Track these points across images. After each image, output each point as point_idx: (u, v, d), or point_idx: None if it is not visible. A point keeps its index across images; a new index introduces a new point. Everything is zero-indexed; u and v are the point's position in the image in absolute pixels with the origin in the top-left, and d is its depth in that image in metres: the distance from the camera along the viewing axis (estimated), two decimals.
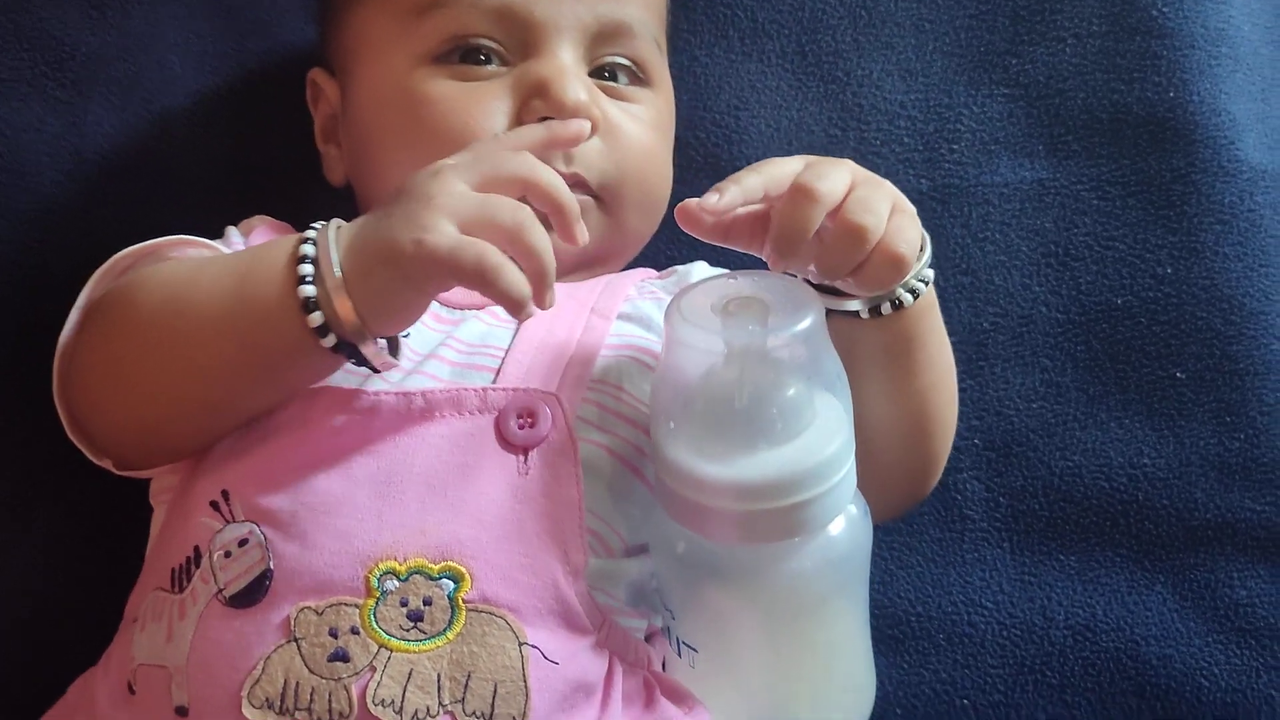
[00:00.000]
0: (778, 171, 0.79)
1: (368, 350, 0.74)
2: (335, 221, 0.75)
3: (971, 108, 1.09)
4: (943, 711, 0.98)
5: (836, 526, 0.77)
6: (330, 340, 0.73)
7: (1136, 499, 1.02)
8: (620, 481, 0.82)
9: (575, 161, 0.89)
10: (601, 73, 0.92)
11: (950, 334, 1.03)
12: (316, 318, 0.72)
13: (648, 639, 0.85)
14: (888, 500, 0.93)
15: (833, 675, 0.84)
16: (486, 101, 0.88)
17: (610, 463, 0.82)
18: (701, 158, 1.07)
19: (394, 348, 0.78)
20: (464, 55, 0.89)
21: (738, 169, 1.01)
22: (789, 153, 1.06)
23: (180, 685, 0.74)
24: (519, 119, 0.87)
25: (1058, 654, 0.99)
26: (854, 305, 0.83)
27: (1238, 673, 0.98)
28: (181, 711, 0.73)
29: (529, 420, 0.79)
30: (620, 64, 0.93)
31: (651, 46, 0.96)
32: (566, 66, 0.88)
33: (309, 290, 0.72)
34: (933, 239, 1.06)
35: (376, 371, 0.78)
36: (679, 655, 0.82)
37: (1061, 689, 0.98)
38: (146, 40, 1.02)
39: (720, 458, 0.73)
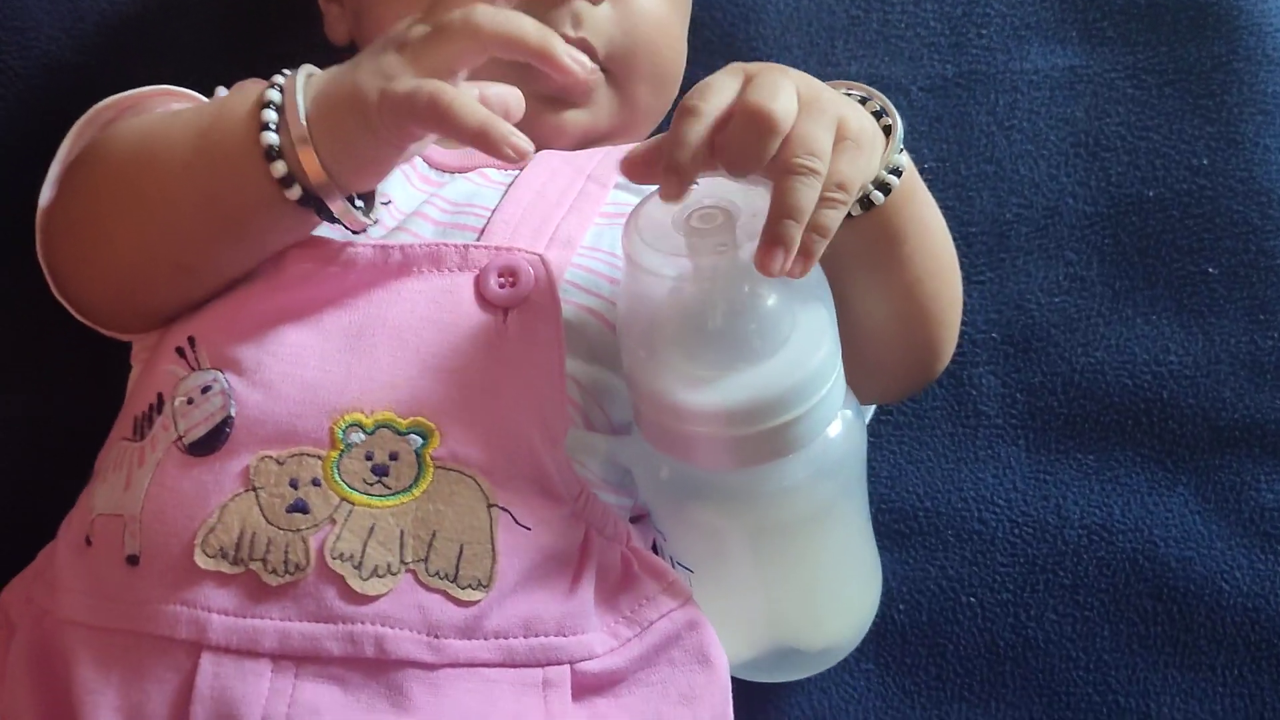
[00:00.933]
0: (721, 103, 0.68)
1: (336, 206, 0.70)
2: (306, 68, 0.71)
3: None
4: (948, 608, 0.93)
5: (830, 432, 0.72)
6: (295, 192, 0.69)
7: (1161, 397, 0.97)
8: (606, 348, 0.77)
9: (584, 26, 0.84)
10: None
11: (970, 224, 1.00)
12: (279, 167, 0.68)
13: (634, 521, 0.81)
14: (892, 388, 0.89)
15: (835, 586, 0.80)
16: None
17: (597, 328, 0.77)
18: (717, 38, 1.02)
19: (370, 205, 0.74)
20: None
21: (754, 49, 0.97)
22: (808, 34, 1.03)
23: (134, 534, 0.70)
24: None
25: (1071, 553, 0.94)
26: None
27: (1261, 578, 0.93)
28: (132, 560, 0.70)
29: (510, 279, 0.74)
30: None
31: None
32: None
33: (272, 138, 0.68)
34: (957, 127, 1.03)
35: (353, 232, 0.73)
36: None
37: (1074, 589, 0.93)
38: None
39: (699, 383, 0.68)
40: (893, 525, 0.95)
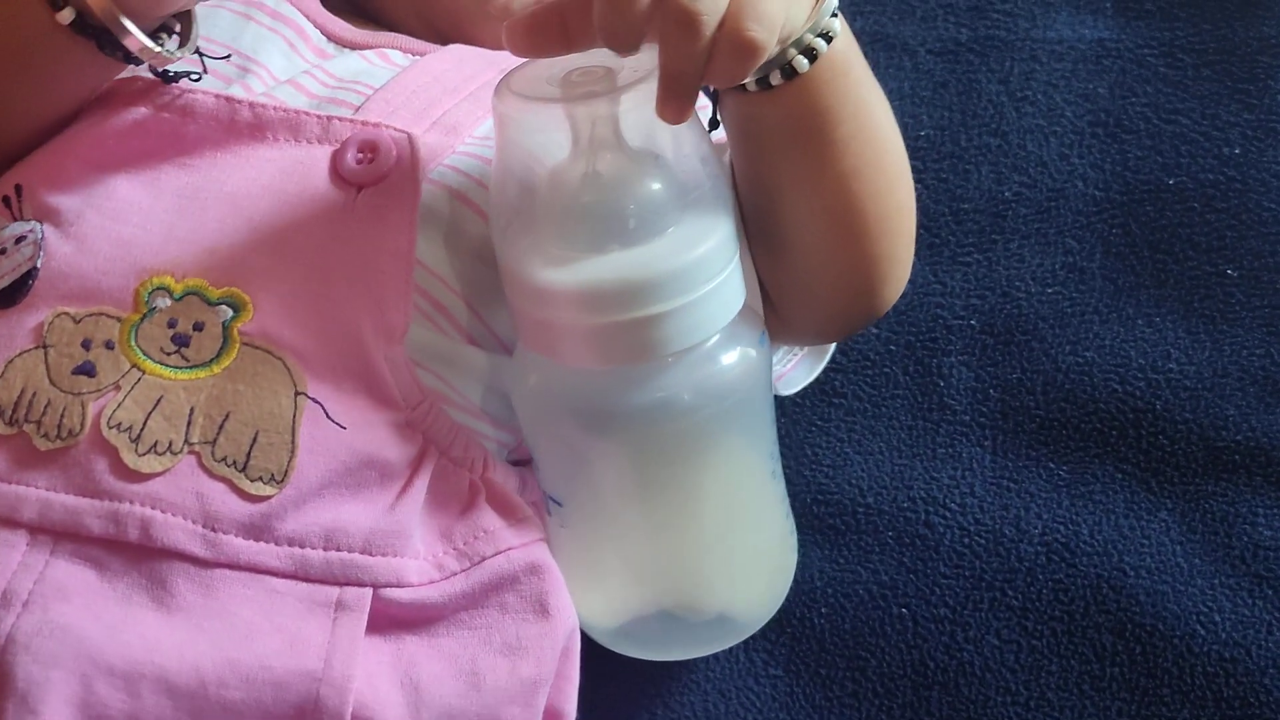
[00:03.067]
0: None
1: (124, 35, 0.61)
2: None
3: None
4: (876, 618, 0.79)
5: (723, 356, 0.62)
6: (67, 15, 0.60)
7: (1153, 408, 0.82)
8: (490, 247, 0.65)
9: None
10: None
11: (964, 200, 0.88)
12: None
13: (516, 464, 0.70)
14: (826, 314, 0.75)
15: (725, 539, 0.68)
16: None
17: (479, 223, 0.67)
18: None
19: (185, 40, 0.65)
20: None
21: None
22: None
23: None
24: None
25: (1025, 572, 0.79)
26: None
27: (1244, 625, 0.76)
28: None
29: (370, 155, 0.65)
30: None
31: None
32: None
33: None
34: (964, 95, 0.91)
35: (165, 77, 0.65)
36: (548, 513, 0.68)
37: (1023, 613, 0.78)
38: None
39: (564, 262, 0.59)
40: (827, 518, 0.82)
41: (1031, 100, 0.90)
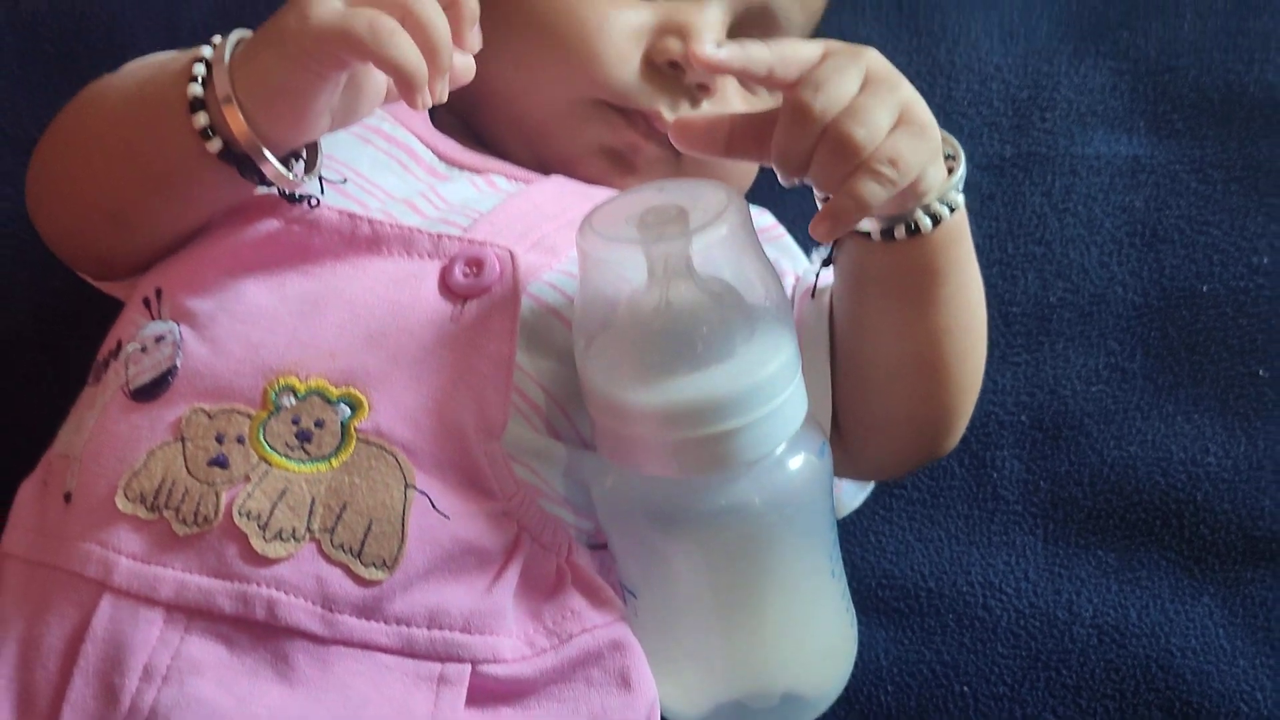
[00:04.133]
0: (791, 55, 0.66)
1: (266, 166, 0.66)
2: (239, 31, 0.68)
3: (1072, 77, 0.96)
4: (939, 695, 0.83)
5: (789, 463, 0.66)
6: (216, 145, 0.66)
7: (1194, 499, 0.86)
8: (575, 357, 0.71)
9: (679, 114, 0.77)
10: None
11: (1012, 304, 0.92)
12: (201, 119, 0.65)
13: (595, 548, 0.74)
14: (894, 453, 0.80)
15: (789, 632, 0.71)
16: (630, 15, 0.78)
17: (568, 335, 0.72)
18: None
19: (311, 167, 0.70)
20: None
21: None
22: None
23: (73, 473, 0.67)
24: (649, 49, 0.78)
25: (1078, 652, 0.83)
26: (865, 225, 0.70)
27: None
28: (68, 498, 0.67)
29: (475, 269, 0.70)
30: None
31: None
32: (716, 23, 0.78)
33: (196, 89, 0.65)
34: (1010, 207, 0.95)
35: (290, 198, 0.70)
36: (624, 602, 0.71)
37: (1077, 690, 0.82)
38: None
39: (641, 381, 0.63)
40: (891, 602, 0.86)
41: (1073, 211, 0.94)
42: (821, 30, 0.98)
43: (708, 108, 0.80)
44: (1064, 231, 0.94)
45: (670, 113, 0.78)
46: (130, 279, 0.76)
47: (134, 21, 0.97)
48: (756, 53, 0.66)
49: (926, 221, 0.69)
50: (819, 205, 0.69)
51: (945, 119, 0.96)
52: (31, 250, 0.83)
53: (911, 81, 0.95)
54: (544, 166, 0.81)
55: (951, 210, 0.70)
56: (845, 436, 0.78)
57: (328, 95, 0.65)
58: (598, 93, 0.78)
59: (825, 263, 0.75)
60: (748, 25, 0.81)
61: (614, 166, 0.81)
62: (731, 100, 0.81)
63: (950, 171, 0.70)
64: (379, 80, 0.68)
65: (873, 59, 0.67)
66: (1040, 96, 0.96)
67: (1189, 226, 0.93)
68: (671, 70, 0.78)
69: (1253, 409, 0.88)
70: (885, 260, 0.71)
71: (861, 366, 0.75)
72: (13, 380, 0.91)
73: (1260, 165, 0.93)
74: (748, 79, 0.68)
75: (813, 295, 0.78)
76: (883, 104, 0.65)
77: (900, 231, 0.69)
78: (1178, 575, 0.84)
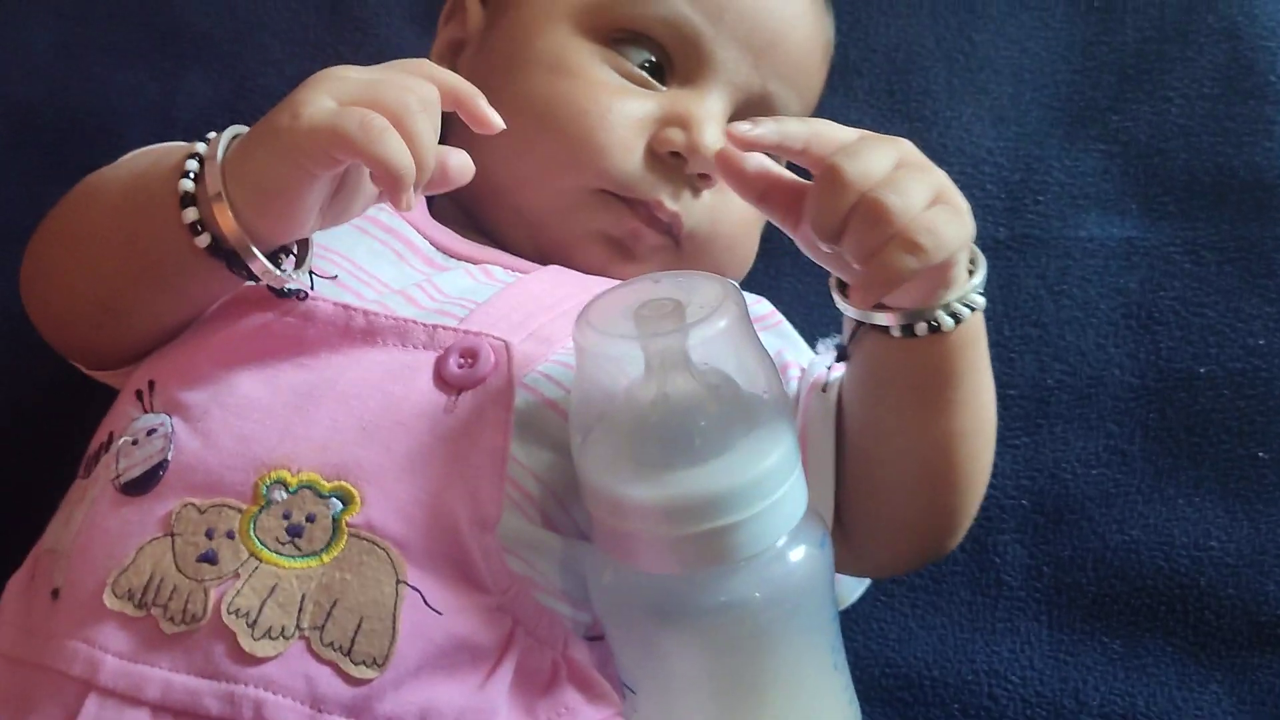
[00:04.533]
0: (826, 133, 0.66)
1: (254, 263, 0.65)
2: (235, 128, 0.68)
3: (1064, 160, 0.96)
4: None
5: (790, 555, 0.64)
6: (204, 240, 0.65)
7: (1198, 584, 0.84)
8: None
9: (680, 203, 0.79)
10: None
11: (1010, 387, 0.91)
12: (190, 214, 0.65)
13: (593, 640, 0.73)
14: (898, 552, 0.78)
15: None
16: (633, 105, 0.78)
17: (563, 427, 0.71)
18: None
19: (301, 262, 0.70)
20: (627, 54, 0.79)
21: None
22: None
23: (62, 568, 0.66)
24: (652, 140, 0.78)
25: None
26: (884, 320, 0.69)
27: None
28: (55, 594, 0.65)
29: (470, 360, 0.69)
30: None
31: None
32: (717, 113, 0.79)
33: (187, 185, 0.65)
34: (1005, 289, 0.95)
35: (279, 293, 0.69)
36: (622, 697, 0.69)
37: None
38: (252, 25, 1.00)
39: (639, 477, 0.61)
40: (895, 691, 0.84)
41: (1068, 294, 0.93)
42: (816, 116, 0.98)
43: (708, 199, 0.80)
44: (1060, 314, 0.93)
45: (672, 202, 0.78)
46: (122, 369, 0.75)
47: (129, 112, 0.97)
48: (793, 128, 0.66)
49: (949, 320, 0.68)
50: (836, 288, 0.68)
51: None
52: (22, 337, 0.81)
53: None
54: (544, 255, 0.80)
55: (971, 310, 0.69)
56: (849, 535, 0.76)
57: (317, 194, 0.65)
58: (601, 182, 0.78)
59: (838, 358, 0.74)
60: (746, 114, 0.79)
61: (615, 254, 0.80)
62: (729, 197, 0.79)
63: (971, 274, 0.69)
64: (368, 181, 0.68)
65: (908, 146, 0.66)
66: (1033, 180, 0.96)
67: (1184, 308, 0.92)
68: (673, 160, 0.78)
69: (1254, 492, 0.87)
70: (903, 359, 0.70)
71: (870, 466, 0.73)
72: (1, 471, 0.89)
73: (1253, 246, 0.93)
74: (783, 154, 0.67)
75: (823, 389, 0.76)
76: (919, 181, 0.64)
77: (922, 328, 0.68)
78: (1184, 662, 0.83)
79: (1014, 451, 0.90)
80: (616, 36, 0.80)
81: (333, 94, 0.63)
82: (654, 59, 0.80)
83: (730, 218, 0.81)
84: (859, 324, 0.70)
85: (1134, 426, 0.90)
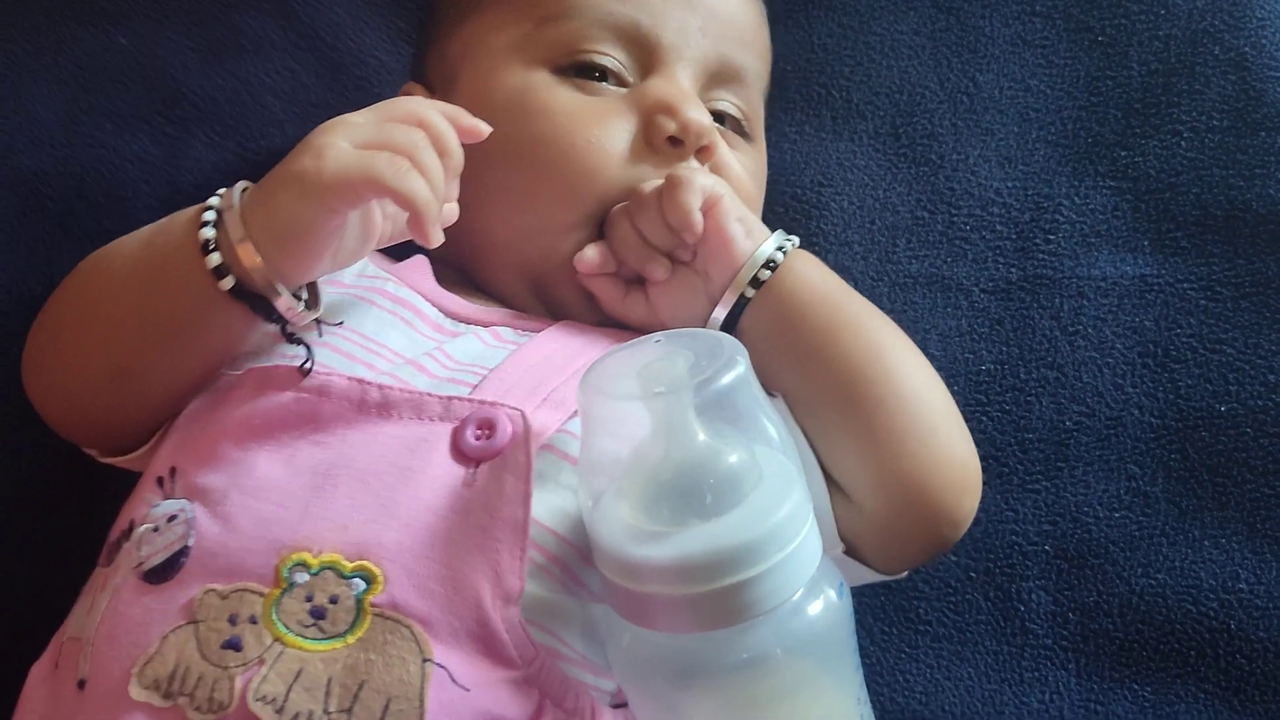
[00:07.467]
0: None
1: (279, 300, 0.67)
2: (243, 183, 0.69)
3: (1073, 198, 0.94)
4: None
5: (808, 607, 0.62)
6: (229, 282, 0.66)
7: (1228, 628, 0.82)
8: None
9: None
10: (712, 116, 0.82)
11: (1028, 430, 0.89)
12: (214, 258, 0.66)
13: (618, 707, 0.70)
14: (885, 530, 0.74)
15: None
16: (610, 117, 0.78)
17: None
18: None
19: (313, 303, 0.70)
20: (582, 70, 0.80)
21: (814, 244, 0.90)
22: (870, 231, 0.95)
23: (86, 657, 0.64)
24: (644, 135, 0.78)
25: None
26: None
27: None
28: (81, 684, 0.63)
29: (487, 432, 0.67)
30: (729, 111, 0.84)
31: (759, 100, 0.87)
32: (689, 89, 0.80)
33: (209, 233, 0.67)
34: (1019, 331, 0.92)
35: (293, 336, 0.69)
36: None
37: None
38: (254, 88, 0.98)
39: (651, 537, 0.60)
40: None
41: (1083, 334, 0.91)
42: (822, 163, 0.96)
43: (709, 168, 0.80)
44: (1075, 354, 0.91)
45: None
46: (135, 453, 0.73)
47: (135, 178, 0.95)
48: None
49: (765, 272, 0.74)
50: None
51: (949, 244, 0.94)
52: (30, 418, 0.79)
53: (911, 208, 0.95)
54: (551, 307, 0.80)
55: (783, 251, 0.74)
56: (842, 530, 0.74)
57: (340, 232, 0.67)
58: (608, 199, 0.77)
59: None
60: (718, 83, 0.83)
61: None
62: (727, 161, 0.81)
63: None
64: (376, 220, 0.70)
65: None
66: (1042, 219, 0.94)
67: (1201, 345, 0.90)
68: (671, 145, 0.78)
69: None
70: (759, 316, 0.74)
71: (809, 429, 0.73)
72: (14, 557, 0.86)
73: (1269, 281, 0.90)
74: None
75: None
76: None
77: (749, 291, 0.74)
78: (1217, 708, 0.80)
79: (1034, 496, 0.87)
80: (567, 64, 0.80)
81: (349, 139, 0.66)
82: (609, 69, 0.80)
83: (736, 190, 0.80)
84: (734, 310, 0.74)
85: (1155, 467, 0.87)
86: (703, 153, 0.79)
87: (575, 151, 0.77)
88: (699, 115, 0.78)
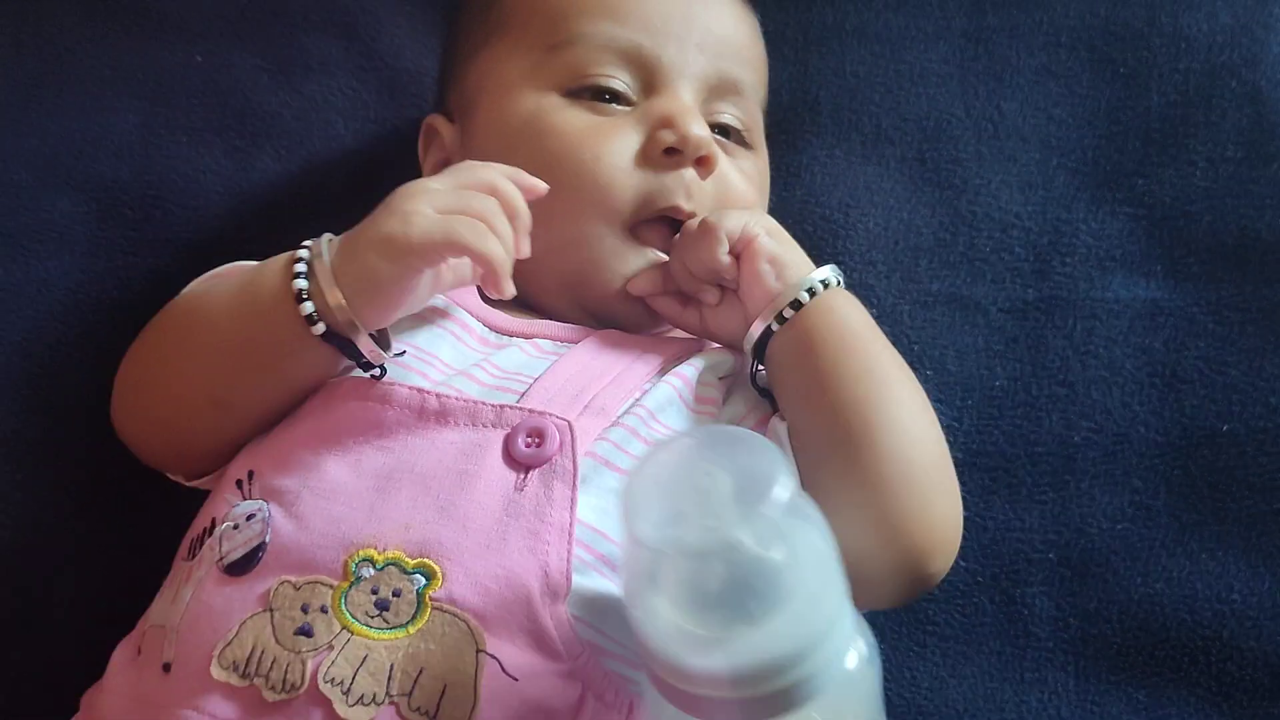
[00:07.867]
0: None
1: (361, 341, 0.73)
2: (327, 235, 0.76)
3: (1090, 224, 0.98)
4: None
5: (847, 663, 0.61)
6: (319, 329, 0.73)
7: (1221, 636, 0.85)
8: None
9: (693, 199, 0.84)
10: (713, 129, 0.87)
11: (1037, 444, 0.93)
12: (307, 306, 0.73)
13: None
14: (866, 559, 0.72)
15: None
16: (616, 134, 0.84)
17: (621, 478, 0.73)
18: (805, 250, 0.99)
19: (384, 343, 0.76)
20: (590, 92, 0.86)
21: (839, 263, 0.93)
22: (893, 252, 1.00)
23: (170, 643, 0.70)
24: (646, 150, 0.84)
25: None
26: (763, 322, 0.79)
27: None
28: (166, 668, 0.70)
29: (537, 440, 0.73)
30: (730, 123, 0.89)
31: (757, 110, 0.92)
32: (690, 104, 0.86)
33: (301, 284, 0.73)
34: (1033, 350, 0.96)
35: (370, 368, 0.76)
36: None
37: None
38: (319, 105, 1.04)
39: (702, 644, 0.59)
40: None
41: (1094, 354, 0.95)
42: (850, 185, 1.01)
43: (710, 186, 0.85)
44: (1086, 373, 0.94)
45: (687, 201, 0.84)
46: (212, 471, 0.80)
47: (207, 189, 1.01)
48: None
49: (805, 296, 0.79)
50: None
51: (970, 265, 0.99)
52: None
53: (934, 230, 1.00)
54: (589, 313, 0.86)
55: (812, 293, 0.79)
56: None
57: (417, 287, 0.74)
58: (620, 213, 0.83)
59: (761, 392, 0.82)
60: (718, 96, 0.88)
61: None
62: (726, 171, 0.86)
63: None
64: (445, 273, 0.77)
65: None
66: (1060, 243, 0.98)
67: (1208, 367, 0.93)
68: (671, 157, 0.83)
69: (1276, 546, 0.88)
70: (780, 346, 0.79)
71: (804, 457, 0.76)
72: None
73: (1275, 308, 0.93)
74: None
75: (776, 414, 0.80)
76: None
77: (775, 323, 0.79)
78: (1208, 712, 0.84)
79: (1042, 507, 0.91)
80: (578, 88, 0.86)
81: (431, 204, 0.73)
82: (617, 91, 0.86)
83: (737, 201, 0.87)
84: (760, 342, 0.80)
85: (1158, 482, 0.91)
86: (702, 163, 0.84)
87: (586, 167, 0.83)
88: (698, 129, 0.83)
